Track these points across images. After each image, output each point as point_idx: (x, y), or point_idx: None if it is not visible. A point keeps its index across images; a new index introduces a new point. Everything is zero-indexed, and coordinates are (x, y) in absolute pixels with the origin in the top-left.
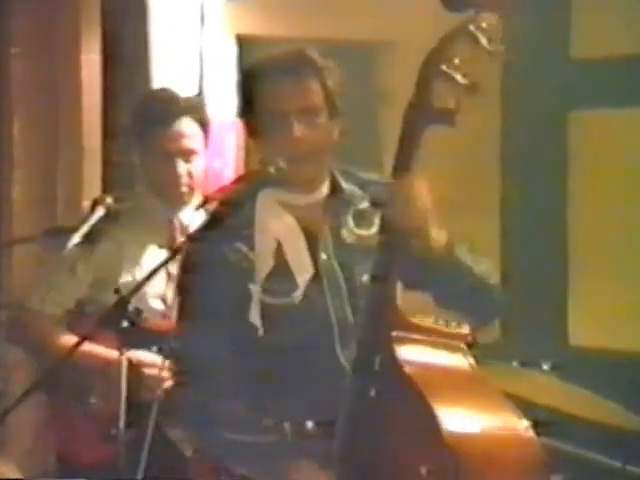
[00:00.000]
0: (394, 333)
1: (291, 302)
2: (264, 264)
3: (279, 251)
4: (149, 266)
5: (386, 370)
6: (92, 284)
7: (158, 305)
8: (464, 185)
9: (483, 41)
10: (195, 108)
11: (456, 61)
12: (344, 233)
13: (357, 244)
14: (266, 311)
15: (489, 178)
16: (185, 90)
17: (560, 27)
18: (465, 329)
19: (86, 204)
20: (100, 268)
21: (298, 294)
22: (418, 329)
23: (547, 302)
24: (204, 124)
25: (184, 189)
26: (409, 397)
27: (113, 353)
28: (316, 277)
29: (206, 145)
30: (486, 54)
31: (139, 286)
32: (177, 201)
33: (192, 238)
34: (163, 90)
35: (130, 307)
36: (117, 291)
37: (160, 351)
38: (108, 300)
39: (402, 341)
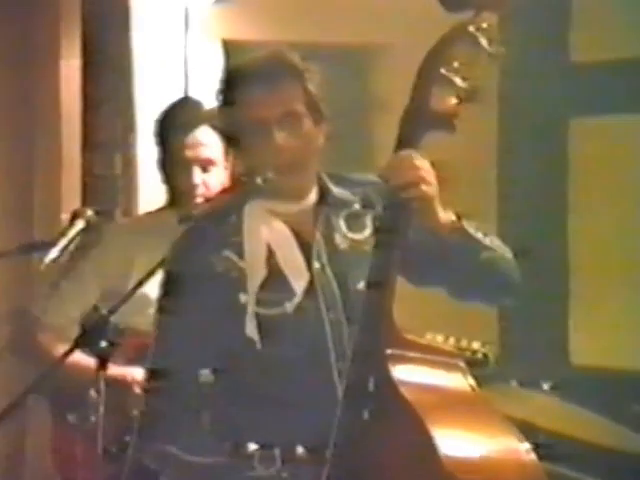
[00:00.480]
0: (389, 351)
1: (284, 313)
2: (256, 272)
3: (271, 258)
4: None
5: (381, 391)
6: (101, 295)
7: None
8: (458, 196)
9: (483, 42)
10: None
11: (455, 64)
12: (337, 239)
13: (351, 249)
14: (259, 323)
15: (485, 188)
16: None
17: (560, 30)
18: (476, 345)
19: (65, 217)
20: (109, 279)
21: (295, 302)
22: (415, 346)
23: (547, 319)
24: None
25: (199, 200)
26: (405, 420)
27: (116, 367)
28: (310, 287)
29: (227, 158)
30: (486, 56)
31: (120, 304)
32: (191, 211)
33: (175, 248)
34: (187, 98)
35: (110, 326)
36: (95, 309)
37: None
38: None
39: (398, 360)
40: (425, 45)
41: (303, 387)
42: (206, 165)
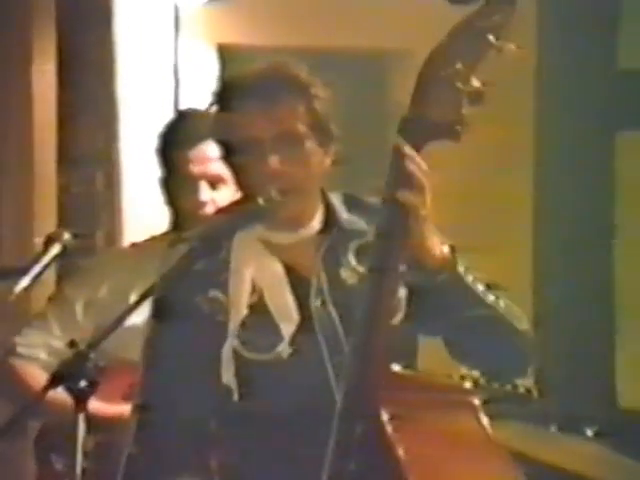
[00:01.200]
0: (382, 392)
1: (277, 357)
2: (237, 312)
3: (259, 297)
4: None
5: (368, 440)
6: (91, 328)
7: None
8: (490, 215)
9: (491, 38)
10: None
11: (459, 65)
12: (344, 273)
13: (362, 285)
14: (245, 369)
15: (520, 208)
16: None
17: (607, 35)
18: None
19: (38, 241)
20: (103, 312)
21: (283, 348)
22: (413, 383)
23: (591, 355)
24: None
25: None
26: (395, 476)
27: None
28: (309, 327)
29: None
30: (495, 53)
31: (100, 339)
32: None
33: (163, 281)
34: (192, 110)
35: (90, 363)
36: (73, 344)
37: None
38: (111, 348)
39: (392, 403)
40: None
41: (300, 440)
42: (215, 182)
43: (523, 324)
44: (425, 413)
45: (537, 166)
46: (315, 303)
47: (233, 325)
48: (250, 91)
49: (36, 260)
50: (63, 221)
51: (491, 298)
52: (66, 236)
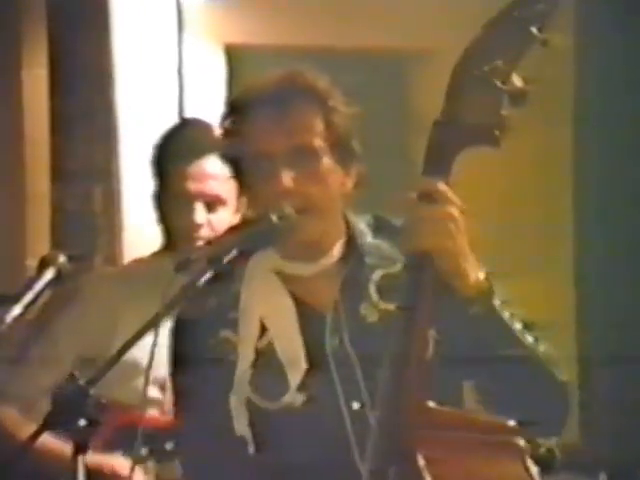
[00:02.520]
0: (418, 432)
1: (290, 406)
2: (245, 355)
3: (269, 340)
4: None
5: None
6: (80, 362)
7: (155, 394)
8: (528, 234)
9: (534, 30)
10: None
11: (497, 62)
12: (364, 309)
13: (383, 323)
14: (260, 418)
15: (556, 227)
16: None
17: None
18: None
19: (30, 264)
20: (89, 342)
21: (293, 397)
22: (453, 422)
23: None
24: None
25: (200, 243)
26: None
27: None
28: (324, 370)
29: (240, 198)
30: (538, 45)
31: (103, 371)
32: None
33: (168, 309)
34: (192, 120)
35: (91, 400)
36: (72, 378)
37: (151, 453)
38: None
39: (428, 443)
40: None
41: None
42: (213, 203)
43: (563, 375)
44: (465, 456)
45: (577, 172)
46: (331, 342)
47: (240, 371)
48: (263, 101)
49: (28, 286)
50: (57, 242)
51: (529, 340)
52: (61, 259)
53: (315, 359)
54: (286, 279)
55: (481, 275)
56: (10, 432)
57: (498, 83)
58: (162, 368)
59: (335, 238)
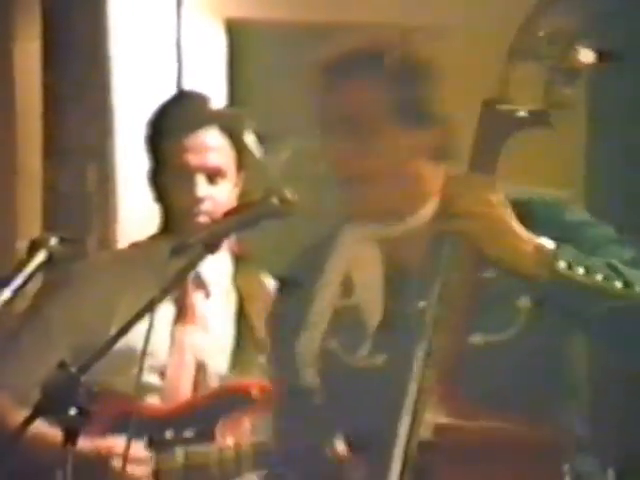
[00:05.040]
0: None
1: (371, 363)
2: (321, 313)
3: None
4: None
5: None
6: (74, 350)
7: (154, 380)
8: None
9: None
10: (230, 120)
11: (541, 33)
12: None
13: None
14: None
15: None
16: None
17: None
18: None
19: (21, 246)
20: (84, 330)
21: (367, 351)
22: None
23: None
24: (236, 141)
25: (202, 219)
26: None
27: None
28: (406, 331)
29: (239, 172)
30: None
31: (95, 358)
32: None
33: (164, 293)
34: (188, 92)
35: (82, 388)
36: (63, 366)
37: (151, 443)
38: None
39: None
40: (489, 27)
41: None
42: (214, 175)
43: None
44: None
45: (589, 171)
46: (414, 303)
47: (312, 325)
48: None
49: (18, 269)
50: (49, 224)
51: (618, 286)
52: (53, 241)
53: (397, 319)
54: (377, 240)
55: (546, 245)
56: (1, 420)
57: (552, 61)
58: (161, 354)
59: (416, 198)
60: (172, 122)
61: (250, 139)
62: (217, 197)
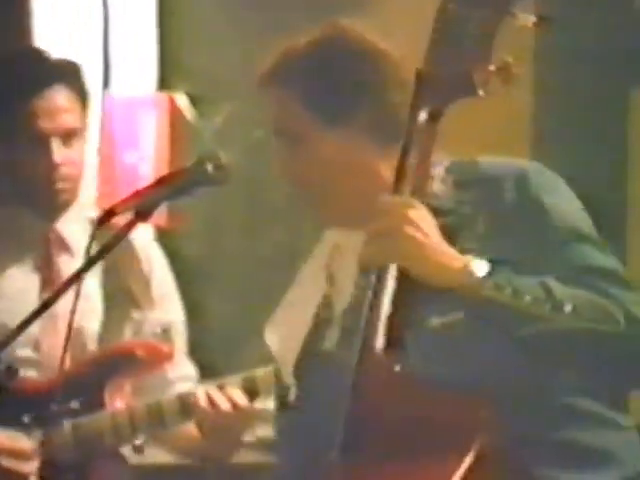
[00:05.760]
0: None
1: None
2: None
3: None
4: (18, 297)
5: None
6: None
7: (28, 353)
8: None
9: None
10: (72, 73)
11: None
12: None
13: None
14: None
15: None
16: (79, 57)
17: None
18: None
19: None
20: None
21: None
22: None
23: None
24: (84, 96)
25: (61, 185)
26: None
27: None
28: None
29: (85, 126)
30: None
31: (12, 337)
32: (52, 204)
33: (90, 264)
34: (28, 49)
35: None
36: None
37: (35, 421)
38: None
39: None
40: None
41: None
42: (68, 137)
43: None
44: None
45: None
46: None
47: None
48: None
49: None
50: None
51: (547, 307)
52: None
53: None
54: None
55: (462, 263)
56: None
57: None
58: (32, 326)
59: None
60: (16, 83)
61: (183, 101)
62: (75, 157)
